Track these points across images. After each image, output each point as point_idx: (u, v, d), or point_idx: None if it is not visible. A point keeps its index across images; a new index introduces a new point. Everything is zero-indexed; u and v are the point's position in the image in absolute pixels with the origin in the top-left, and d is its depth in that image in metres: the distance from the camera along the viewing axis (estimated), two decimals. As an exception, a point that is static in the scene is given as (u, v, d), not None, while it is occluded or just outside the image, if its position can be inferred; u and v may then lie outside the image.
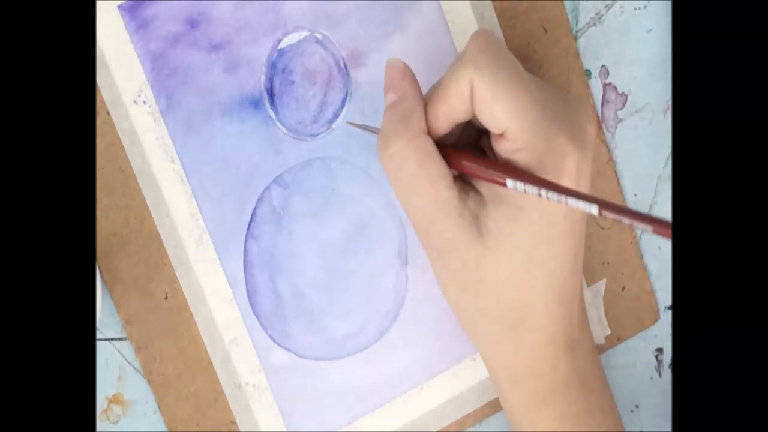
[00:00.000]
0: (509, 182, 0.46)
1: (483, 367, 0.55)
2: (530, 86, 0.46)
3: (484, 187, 0.48)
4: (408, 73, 0.48)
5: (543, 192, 0.45)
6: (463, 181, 0.48)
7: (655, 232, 0.42)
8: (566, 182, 0.46)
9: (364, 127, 0.51)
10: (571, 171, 0.46)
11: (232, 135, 0.52)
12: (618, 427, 0.52)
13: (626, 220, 0.43)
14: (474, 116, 0.47)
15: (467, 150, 0.48)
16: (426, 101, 0.48)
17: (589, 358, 0.50)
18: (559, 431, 0.50)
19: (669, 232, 0.41)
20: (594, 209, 0.44)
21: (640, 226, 0.42)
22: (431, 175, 0.47)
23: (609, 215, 0.43)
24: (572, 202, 0.45)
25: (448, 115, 0.47)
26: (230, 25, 0.51)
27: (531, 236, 0.47)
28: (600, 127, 0.55)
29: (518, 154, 0.46)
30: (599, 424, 0.50)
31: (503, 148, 0.46)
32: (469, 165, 0.47)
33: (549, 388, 0.49)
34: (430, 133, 0.47)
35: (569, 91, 0.54)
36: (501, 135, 0.46)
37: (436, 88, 0.48)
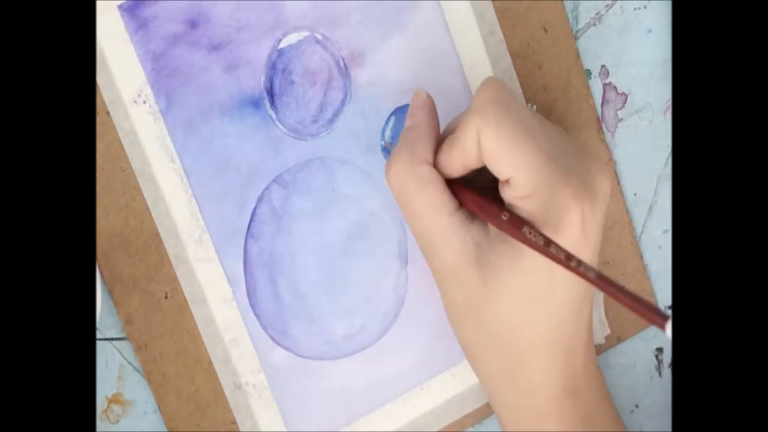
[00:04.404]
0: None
1: (483, 367, 0.55)
2: (538, 137, 0.46)
3: None
4: (427, 104, 0.49)
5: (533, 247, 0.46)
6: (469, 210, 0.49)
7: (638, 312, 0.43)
8: (568, 233, 0.46)
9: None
10: (574, 224, 0.46)
11: (232, 135, 0.52)
12: None
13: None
14: None
15: (471, 187, 0.48)
16: (443, 142, 0.48)
17: (596, 399, 0.50)
18: None
19: (662, 323, 0.42)
20: (590, 272, 0.44)
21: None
22: (430, 202, 0.48)
23: (603, 288, 0.44)
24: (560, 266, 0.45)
25: (461, 160, 0.47)
26: (230, 25, 0.51)
27: (530, 280, 0.47)
28: (600, 128, 0.55)
29: (521, 202, 0.46)
30: None
31: (508, 195, 0.47)
32: (471, 202, 0.48)
33: (552, 428, 0.49)
34: (443, 174, 0.48)
35: (569, 91, 0.54)
36: (506, 182, 0.47)
37: (450, 134, 0.48)
